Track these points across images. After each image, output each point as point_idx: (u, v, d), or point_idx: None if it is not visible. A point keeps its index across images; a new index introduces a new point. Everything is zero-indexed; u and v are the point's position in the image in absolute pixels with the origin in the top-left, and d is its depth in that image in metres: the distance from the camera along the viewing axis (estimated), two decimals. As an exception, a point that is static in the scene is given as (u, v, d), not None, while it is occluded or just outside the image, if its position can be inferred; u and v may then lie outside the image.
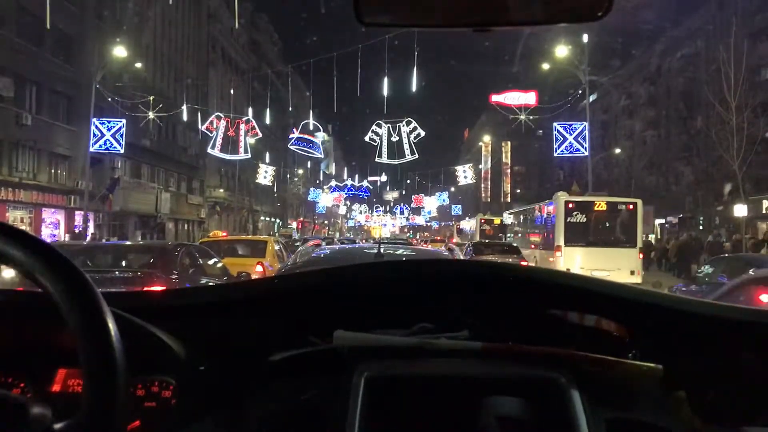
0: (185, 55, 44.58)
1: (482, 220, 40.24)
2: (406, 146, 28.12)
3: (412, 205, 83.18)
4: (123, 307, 1.16)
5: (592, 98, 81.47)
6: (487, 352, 1.19)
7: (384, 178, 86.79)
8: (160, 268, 8.48)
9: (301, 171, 67.51)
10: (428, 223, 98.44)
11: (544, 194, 69.95)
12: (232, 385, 1.25)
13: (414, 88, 25.36)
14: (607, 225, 19.05)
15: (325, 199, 70.38)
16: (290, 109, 43.95)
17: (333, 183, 72.92)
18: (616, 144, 71.61)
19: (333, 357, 1.21)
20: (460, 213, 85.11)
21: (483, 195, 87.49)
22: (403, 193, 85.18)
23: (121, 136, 26.31)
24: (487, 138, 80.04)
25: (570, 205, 19.45)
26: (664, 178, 59.61)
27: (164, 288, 6.77)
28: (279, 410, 1.19)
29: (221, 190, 49.35)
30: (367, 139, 28.17)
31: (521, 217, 29.21)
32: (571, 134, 26.54)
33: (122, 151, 27.16)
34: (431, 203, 78.99)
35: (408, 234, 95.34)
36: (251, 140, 31.74)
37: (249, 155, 32.28)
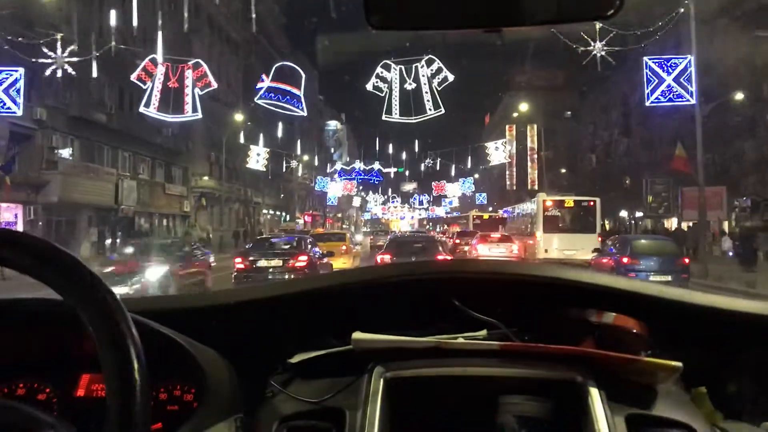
0: (158, 17, 37.32)
1: (474, 216, 48.14)
2: (426, 95, 20.22)
3: (433, 194, 75.20)
4: (143, 312, 1.18)
5: (623, 75, 73.71)
6: (504, 351, 1.20)
7: (401, 168, 79.99)
8: (300, 248, 16.48)
9: (306, 157, 59.90)
10: (449, 215, 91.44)
11: (574, 181, 62.85)
12: (252, 387, 1.26)
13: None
14: (574, 217, 24.99)
15: (334, 188, 62.56)
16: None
17: (338, 166, 63.53)
18: (664, 122, 64.10)
19: (352, 358, 1.23)
20: (485, 202, 78.13)
21: (508, 183, 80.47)
22: (422, 177, 76.89)
23: (17, 91, 19.03)
24: (523, 108, 71.83)
25: (546, 203, 25.64)
26: (721, 156, 51.35)
27: (305, 262, 15.35)
28: (300, 411, 1.20)
29: (206, 178, 41.95)
30: (369, 87, 20.41)
31: (515, 211, 36.69)
32: (669, 73, 18.87)
33: (19, 112, 19.87)
34: (454, 190, 71.04)
35: (428, 226, 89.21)
36: (202, 93, 23.32)
37: (199, 114, 23.91)
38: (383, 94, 20.16)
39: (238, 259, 15.97)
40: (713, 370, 1.26)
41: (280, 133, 52.49)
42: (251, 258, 15.61)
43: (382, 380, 1.17)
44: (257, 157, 39.62)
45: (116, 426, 0.81)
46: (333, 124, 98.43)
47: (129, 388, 0.82)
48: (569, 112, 77.68)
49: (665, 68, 19.49)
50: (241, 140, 43.35)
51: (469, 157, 60.73)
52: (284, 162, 47.06)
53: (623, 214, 64.77)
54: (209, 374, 1.21)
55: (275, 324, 1.39)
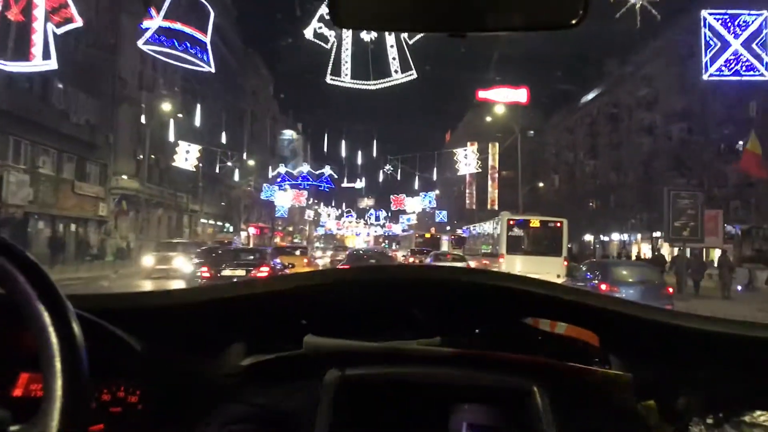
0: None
1: (417, 235, 52.79)
2: (392, 52, 15.24)
3: (391, 208, 70.09)
4: (89, 309, 1.12)
5: (592, 95, 70.91)
6: (458, 358, 1.21)
7: (359, 184, 75.15)
8: (263, 259, 17.33)
9: (252, 162, 54.02)
10: (405, 232, 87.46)
11: (536, 201, 59.48)
12: (200, 390, 1.23)
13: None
14: (540, 238, 23.88)
15: (282, 198, 56.46)
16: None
17: (282, 169, 55.99)
18: (629, 141, 61.16)
19: (304, 362, 1.22)
20: (445, 220, 74.26)
21: (467, 201, 77.18)
22: (380, 188, 70.84)
23: None
24: (485, 125, 68.08)
25: (511, 222, 24.44)
26: (698, 180, 48.07)
27: (267, 273, 15.58)
28: (248, 415, 1.19)
29: (125, 177, 35.85)
30: (309, 35, 15.13)
31: (475, 231, 34.73)
32: (737, 35, 13.92)
33: None
34: (414, 205, 66.25)
35: (383, 244, 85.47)
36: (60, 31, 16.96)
37: (51, 63, 16.92)
38: (329, 46, 14.85)
39: (204, 268, 17.22)
40: (663, 384, 1.26)
41: (225, 134, 47.01)
42: (216, 268, 16.68)
43: (333, 384, 1.16)
44: (186, 155, 33.88)
45: (52, 423, 0.77)
46: (288, 134, 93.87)
47: (67, 385, 0.79)
48: (532, 132, 74.74)
49: (731, 29, 14.26)
50: (177, 137, 37.73)
51: (432, 171, 56.23)
52: (222, 163, 40.98)
53: (588, 237, 61.82)
54: (156, 375, 1.20)
55: (227, 326, 1.33)
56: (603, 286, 13.83)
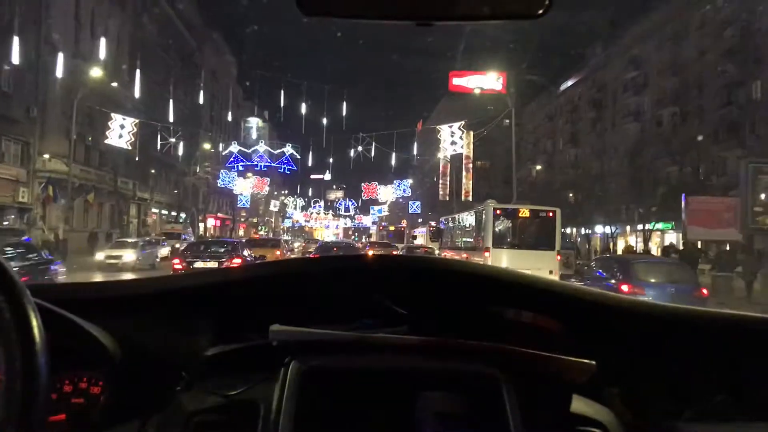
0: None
1: (380, 227, 53.39)
2: None
3: (362, 197, 65.35)
4: (49, 299, 1.10)
5: (571, 82, 67.37)
6: (425, 346, 1.21)
7: (328, 176, 70.73)
8: (235, 251, 17.85)
9: (208, 145, 48.65)
10: (375, 224, 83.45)
11: (511, 193, 55.94)
12: (165, 380, 1.21)
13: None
14: (530, 230, 21.36)
15: (241, 186, 51.17)
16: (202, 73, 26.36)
17: (233, 148, 46.71)
18: (613, 131, 57.89)
19: (270, 352, 1.21)
20: (419, 211, 70.31)
21: (441, 192, 73.56)
22: (350, 174, 65.56)
23: None
24: (458, 113, 64.27)
25: (497, 212, 21.71)
26: (693, 167, 44.90)
27: (239, 262, 15.93)
28: (213, 405, 1.17)
29: (46, 156, 30.30)
30: None
31: (455, 222, 31.86)
32: None
33: None
34: (387, 194, 61.64)
35: (353, 237, 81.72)
36: None
37: None
38: None
39: (176, 260, 17.48)
40: (627, 372, 1.28)
41: (177, 114, 41.98)
42: (188, 260, 16.85)
43: (298, 374, 1.15)
44: (120, 130, 28.76)
45: (10, 414, 0.76)
46: (254, 121, 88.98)
47: (26, 376, 0.78)
48: (507, 120, 71.41)
49: None
50: (124, 114, 32.60)
51: (405, 163, 52.06)
52: (164, 139, 35.65)
53: (568, 230, 58.52)
54: (119, 366, 1.17)
55: (192, 315, 1.31)
56: (624, 287, 12.08)
